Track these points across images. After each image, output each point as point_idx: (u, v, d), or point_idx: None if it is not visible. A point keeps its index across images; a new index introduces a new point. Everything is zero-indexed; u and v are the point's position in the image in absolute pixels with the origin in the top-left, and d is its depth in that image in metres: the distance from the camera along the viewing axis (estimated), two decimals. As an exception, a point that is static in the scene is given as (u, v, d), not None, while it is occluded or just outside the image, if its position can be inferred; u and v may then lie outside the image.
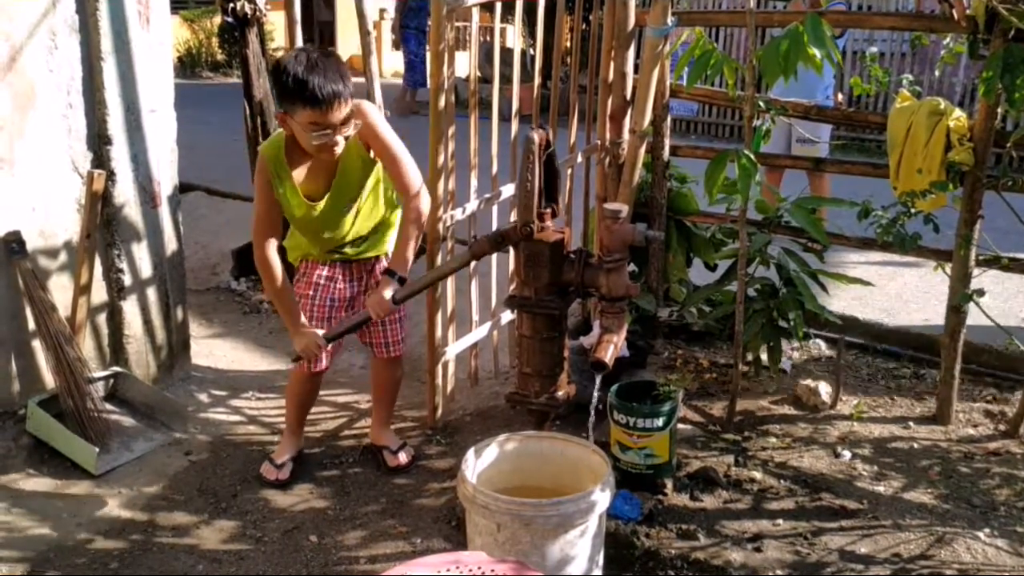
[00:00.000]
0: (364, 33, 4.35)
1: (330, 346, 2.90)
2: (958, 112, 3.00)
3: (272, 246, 2.77)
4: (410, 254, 2.78)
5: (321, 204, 2.75)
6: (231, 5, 4.28)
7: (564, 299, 2.52)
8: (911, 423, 3.22)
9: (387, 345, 3.04)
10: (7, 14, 2.95)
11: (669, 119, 3.77)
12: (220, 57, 16.56)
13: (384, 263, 2.97)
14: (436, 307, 3.24)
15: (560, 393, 2.58)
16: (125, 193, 3.41)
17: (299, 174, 2.72)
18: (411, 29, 11.07)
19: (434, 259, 3.19)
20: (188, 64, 16.02)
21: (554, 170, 2.51)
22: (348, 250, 2.91)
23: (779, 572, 2.40)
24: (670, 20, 3.09)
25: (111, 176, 3.33)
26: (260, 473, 3.04)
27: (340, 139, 2.59)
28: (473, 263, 3.41)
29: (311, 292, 2.92)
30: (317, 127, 2.53)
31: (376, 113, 2.74)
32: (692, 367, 3.67)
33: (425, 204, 2.78)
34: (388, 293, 2.72)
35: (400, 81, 11.69)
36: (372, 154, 2.77)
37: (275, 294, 2.83)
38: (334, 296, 2.93)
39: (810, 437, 3.12)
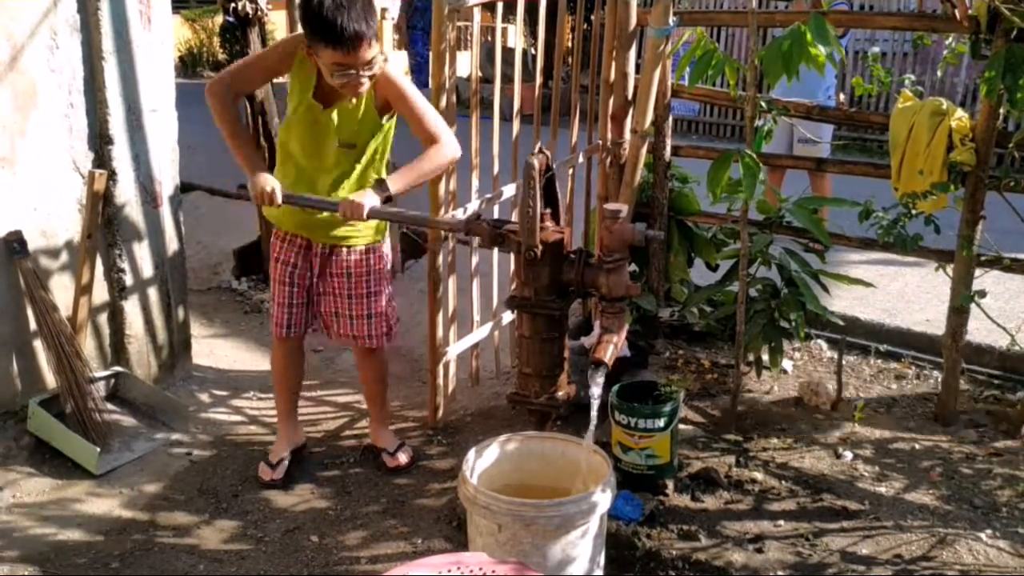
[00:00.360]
0: (365, 33, 4.34)
1: (298, 313, 2.91)
2: (960, 112, 2.99)
3: (236, 97, 2.75)
4: (411, 178, 2.69)
5: (333, 115, 2.68)
6: (232, 5, 4.28)
7: (564, 299, 2.52)
8: (913, 424, 3.22)
9: (360, 338, 2.96)
10: (8, 13, 2.95)
11: (671, 119, 3.77)
12: (221, 57, 16.56)
13: (359, 254, 2.88)
14: (437, 307, 3.24)
15: (560, 393, 2.57)
16: (126, 193, 3.41)
17: (316, 86, 2.68)
18: (418, 30, 10.94)
19: (435, 258, 3.19)
20: (189, 64, 16.03)
21: (554, 191, 2.51)
22: (321, 217, 2.78)
23: (780, 573, 2.40)
24: (672, 20, 3.08)
25: (112, 176, 3.33)
26: (257, 474, 3.04)
27: (365, 79, 2.56)
28: (475, 263, 3.42)
29: (275, 255, 2.90)
30: (341, 67, 2.51)
31: (395, 68, 2.70)
32: (693, 367, 3.66)
33: (448, 151, 2.70)
34: (368, 201, 2.61)
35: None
36: (384, 120, 2.74)
37: (230, 132, 2.73)
38: (297, 264, 2.88)
39: (811, 438, 3.12)
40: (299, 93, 2.70)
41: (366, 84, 2.59)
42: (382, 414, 3.19)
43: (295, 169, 2.80)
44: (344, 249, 2.88)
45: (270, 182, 2.69)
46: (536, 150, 2.42)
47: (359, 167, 2.79)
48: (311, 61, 2.62)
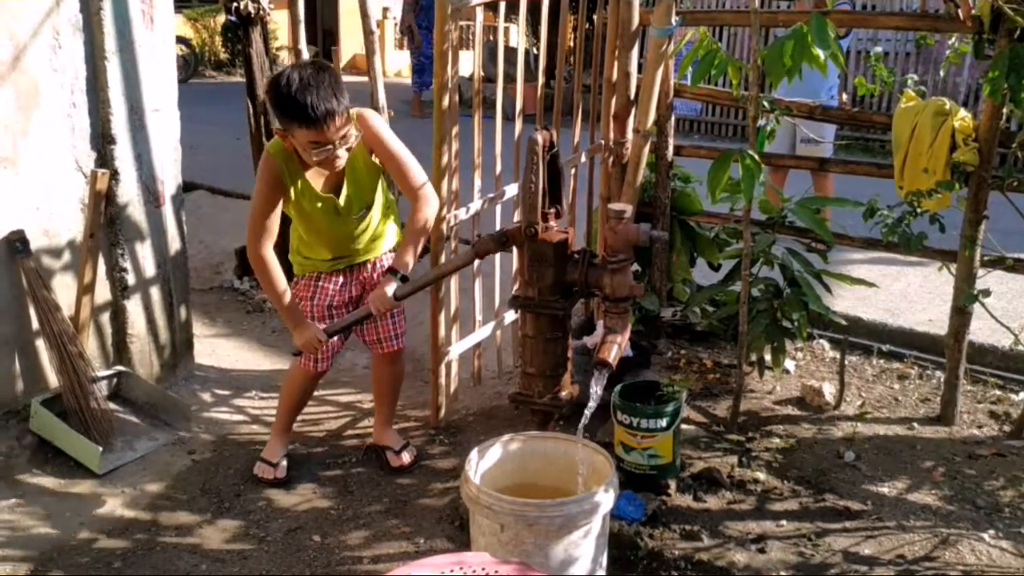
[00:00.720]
0: (367, 32, 4.35)
1: (331, 344, 2.90)
2: (963, 112, 2.99)
3: (269, 245, 2.77)
4: (412, 255, 2.79)
5: (341, 199, 2.76)
6: (235, 4, 4.28)
7: (568, 299, 2.52)
8: (915, 424, 3.22)
9: (385, 340, 3.04)
10: (11, 12, 2.95)
11: (673, 119, 3.76)
12: (223, 56, 16.57)
13: (383, 262, 2.98)
14: (440, 307, 3.24)
15: (564, 393, 2.57)
16: (128, 192, 3.41)
17: (311, 175, 2.73)
18: (423, 29, 10.89)
19: (438, 258, 3.19)
20: (192, 63, 16.02)
21: (558, 170, 2.51)
22: (351, 255, 2.93)
23: (783, 573, 2.39)
24: (674, 19, 3.08)
25: (115, 175, 3.33)
26: (256, 474, 3.03)
27: (342, 152, 2.61)
28: (477, 262, 3.42)
29: (309, 293, 2.93)
30: (316, 145, 2.55)
31: (378, 120, 2.76)
32: (696, 367, 3.66)
33: (432, 208, 2.80)
34: (390, 290, 2.72)
35: (402, 81, 11.66)
36: (378, 161, 2.79)
37: (272, 291, 2.82)
38: (332, 297, 2.93)
39: (814, 438, 3.11)
40: (302, 192, 2.73)
41: (343, 157, 2.63)
42: (390, 414, 3.20)
43: (317, 240, 2.88)
44: (373, 261, 2.98)
45: (313, 330, 2.80)
46: (540, 125, 2.42)
47: (378, 211, 2.90)
48: (291, 151, 2.66)
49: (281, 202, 2.75)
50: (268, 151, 2.72)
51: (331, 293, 2.93)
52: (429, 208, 2.78)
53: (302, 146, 2.57)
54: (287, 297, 2.83)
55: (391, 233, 3.02)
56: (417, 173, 2.77)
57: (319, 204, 2.76)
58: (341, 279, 2.95)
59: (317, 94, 2.48)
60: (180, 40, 13.75)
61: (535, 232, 2.39)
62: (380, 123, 2.76)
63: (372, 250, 2.96)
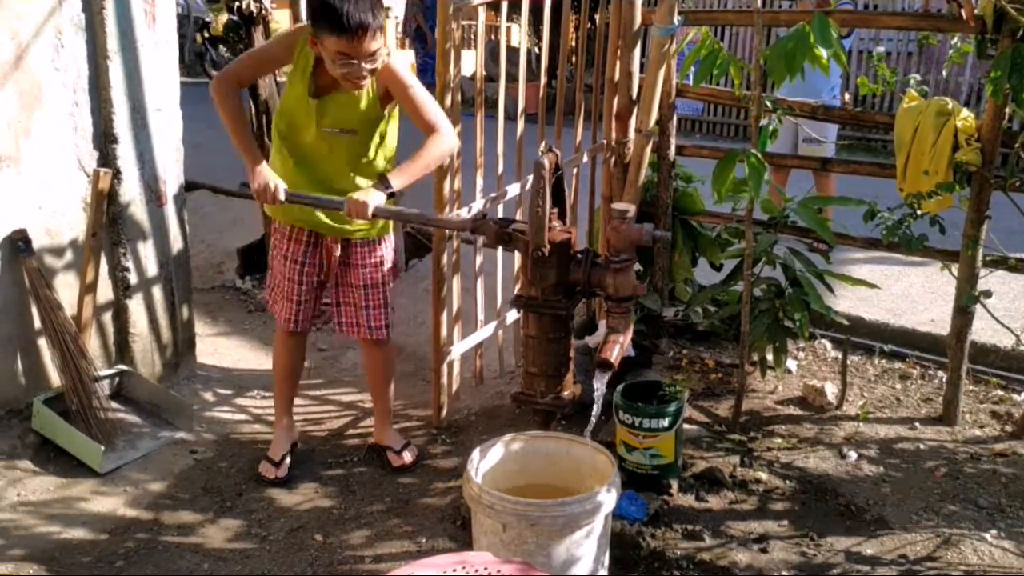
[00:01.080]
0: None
1: (306, 305, 2.92)
2: (965, 112, 2.99)
3: (238, 89, 2.77)
4: (408, 176, 2.69)
5: (316, 103, 2.68)
6: (237, 3, 4.28)
7: (570, 299, 2.51)
8: (917, 424, 3.21)
9: (369, 328, 2.98)
10: (14, 12, 2.95)
11: (675, 118, 3.76)
12: (226, 55, 16.56)
13: (367, 246, 2.91)
14: (441, 306, 3.24)
15: (566, 393, 2.57)
16: (131, 192, 3.41)
17: (316, 76, 2.69)
18: (433, 29, 10.92)
19: (439, 257, 3.19)
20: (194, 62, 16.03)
21: (562, 190, 2.51)
22: (323, 216, 2.81)
23: (785, 573, 2.39)
24: (676, 19, 3.08)
25: (117, 174, 3.33)
26: (259, 472, 3.04)
27: (366, 72, 2.56)
28: (479, 261, 3.42)
29: (283, 248, 2.90)
30: (344, 56, 2.50)
31: (398, 60, 2.69)
32: (697, 367, 3.66)
33: (446, 142, 2.71)
34: (372, 199, 2.61)
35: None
36: (386, 110, 2.74)
37: (233, 125, 2.74)
38: (305, 255, 2.89)
39: (816, 438, 3.11)
40: (293, 83, 2.70)
41: (367, 77, 2.59)
42: (387, 411, 3.18)
43: (292, 157, 2.80)
44: (359, 241, 2.91)
45: (272, 178, 2.70)
46: (545, 148, 2.41)
47: (358, 151, 2.78)
48: (313, 51, 2.61)
49: (272, 67, 2.79)
50: (299, 32, 2.68)
51: (302, 252, 2.88)
52: (442, 140, 2.69)
53: (330, 55, 2.52)
54: (247, 134, 2.78)
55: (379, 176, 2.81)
56: (435, 111, 2.70)
57: (295, 97, 2.70)
58: (314, 242, 2.88)
59: (356, 4, 2.44)
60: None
61: (542, 255, 2.39)
62: (400, 63, 2.70)
63: (350, 188, 2.75)
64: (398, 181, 2.68)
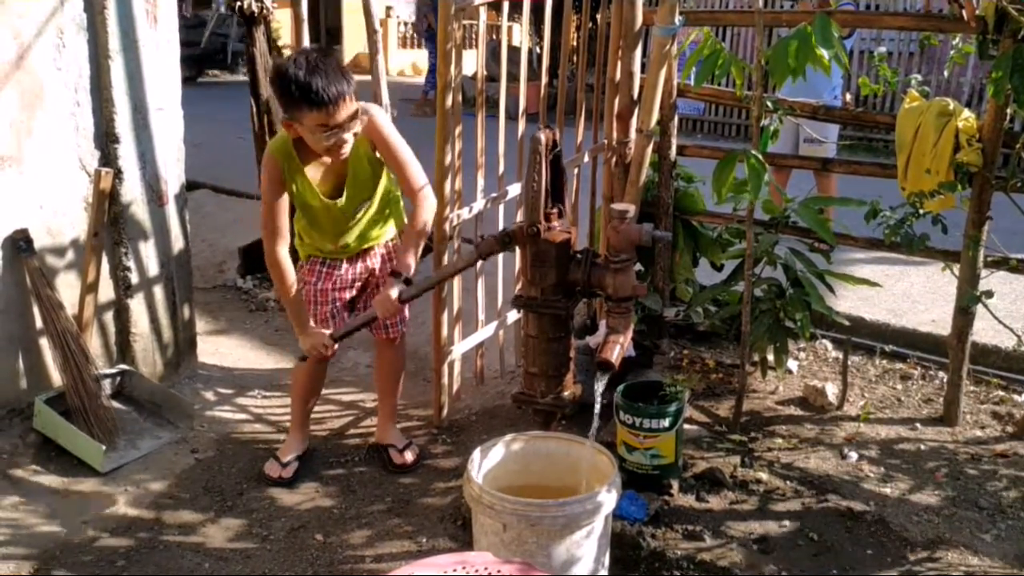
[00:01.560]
0: (371, 31, 4.35)
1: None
2: (967, 113, 2.98)
3: (284, 247, 2.80)
4: (414, 257, 2.79)
5: (342, 201, 2.77)
6: (238, 3, 4.28)
7: (570, 299, 2.52)
8: (918, 424, 3.21)
9: (392, 327, 3.06)
10: (15, 12, 2.95)
11: (676, 118, 3.76)
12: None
13: (384, 251, 3.00)
14: (442, 307, 3.24)
15: (566, 393, 2.57)
16: (132, 191, 3.42)
17: (311, 171, 2.74)
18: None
19: (441, 258, 3.20)
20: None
21: (560, 170, 2.50)
22: (352, 244, 2.93)
23: (785, 574, 2.39)
24: (677, 19, 3.08)
25: (118, 174, 3.34)
26: (264, 471, 3.04)
27: (349, 136, 2.61)
28: (479, 263, 3.42)
29: (313, 278, 2.94)
30: (325, 128, 2.55)
31: (382, 115, 2.77)
32: (698, 367, 3.66)
33: (430, 209, 2.81)
34: (394, 293, 2.73)
35: (405, 80, 11.66)
36: (379, 155, 2.79)
37: (286, 295, 2.87)
38: (335, 281, 2.95)
39: (816, 438, 3.11)
40: (303, 191, 2.75)
41: (350, 142, 2.63)
42: (392, 410, 3.20)
43: (318, 232, 2.89)
44: (374, 248, 2.98)
45: (319, 336, 2.85)
46: (543, 124, 2.42)
47: (379, 203, 2.89)
48: (289, 134, 2.65)
49: (283, 192, 2.75)
50: (269, 150, 2.73)
51: (334, 278, 2.94)
52: (427, 210, 2.79)
53: (310, 131, 2.56)
54: (298, 302, 2.87)
55: (393, 219, 3.03)
56: (417, 174, 2.78)
57: (319, 203, 2.77)
58: (345, 264, 2.96)
59: (326, 76, 2.48)
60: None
61: (537, 231, 2.39)
62: (385, 119, 2.76)
63: (373, 238, 2.96)
64: (409, 267, 2.78)
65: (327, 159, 2.71)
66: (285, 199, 2.76)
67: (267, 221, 2.77)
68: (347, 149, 2.65)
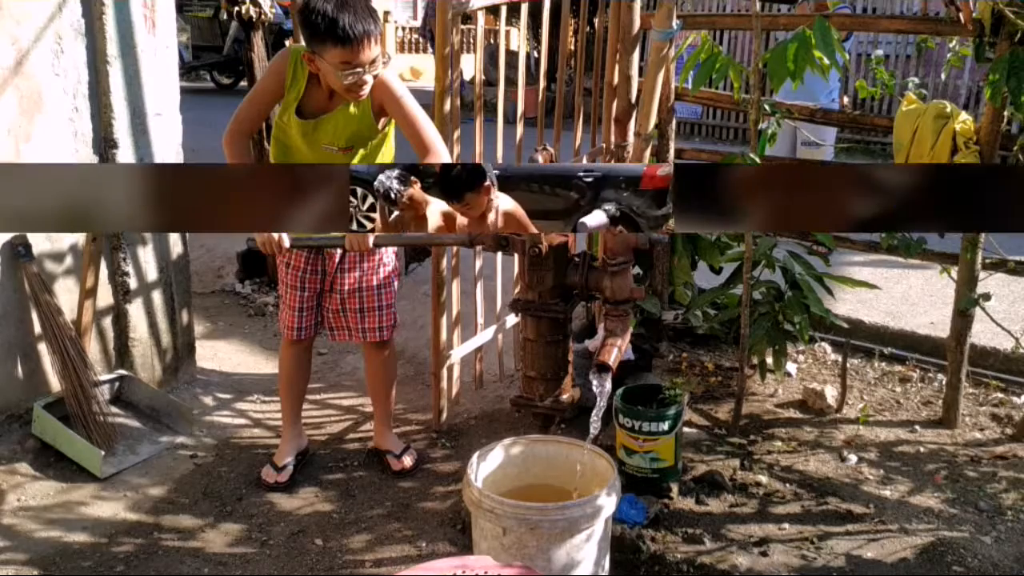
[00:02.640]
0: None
1: (307, 314, 2.92)
2: (964, 115, 2.99)
3: (246, 136, 2.77)
4: None
5: (312, 123, 2.71)
6: (236, 8, 4.29)
7: (568, 303, 2.52)
8: (917, 427, 3.22)
9: (362, 331, 2.99)
10: (14, 18, 2.95)
11: (674, 122, 3.77)
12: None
13: (360, 258, 2.92)
14: (441, 310, 3.24)
15: (565, 396, 2.57)
16: (131, 196, 3.41)
17: (309, 93, 2.71)
18: None
19: (439, 259, 3.20)
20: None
21: None
22: None
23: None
24: (675, 23, 3.09)
25: (117, 179, 3.33)
26: (260, 477, 3.04)
27: (369, 78, 2.58)
28: (478, 265, 3.42)
29: (285, 259, 2.91)
30: (348, 66, 2.51)
31: (395, 79, 2.72)
32: (697, 370, 3.66)
33: (445, 159, 2.73)
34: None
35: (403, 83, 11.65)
36: (380, 124, 2.75)
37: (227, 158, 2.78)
38: (306, 267, 2.91)
39: (816, 441, 3.11)
40: (287, 106, 2.72)
41: (370, 83, 2.60)
42: (387, 414, 3.18)
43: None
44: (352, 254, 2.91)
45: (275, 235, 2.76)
46: (540, 147, 2.42)
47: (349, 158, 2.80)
48: (309, 68, 2.62)
49: (272, 101, 2.73)
50: (290, 49, 2.70)
51: (304, 258, 2.90)
52: (439, 161, 2.71)
53: (333, 67, 2.52)
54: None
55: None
56: (428, 126, 2.71)
57: (296, 120, 2.71)
58: (312, 260, 2.91)
59: (354, 13, 2.46)
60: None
61: (539, 252, 2.39)
62: (398, 82, 2.72)
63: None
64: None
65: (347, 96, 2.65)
66: (272, 96, 2.74)
67: (243, 105, 2.75)
68: (366, 91, 2.61)
